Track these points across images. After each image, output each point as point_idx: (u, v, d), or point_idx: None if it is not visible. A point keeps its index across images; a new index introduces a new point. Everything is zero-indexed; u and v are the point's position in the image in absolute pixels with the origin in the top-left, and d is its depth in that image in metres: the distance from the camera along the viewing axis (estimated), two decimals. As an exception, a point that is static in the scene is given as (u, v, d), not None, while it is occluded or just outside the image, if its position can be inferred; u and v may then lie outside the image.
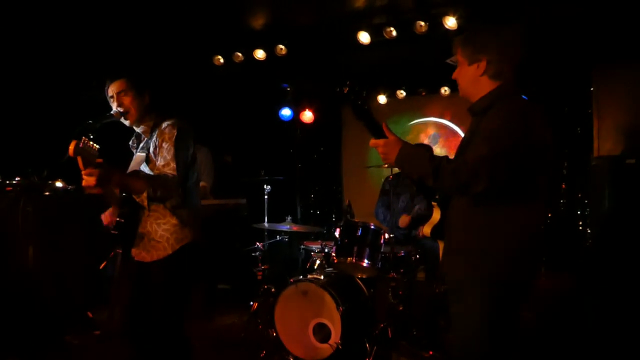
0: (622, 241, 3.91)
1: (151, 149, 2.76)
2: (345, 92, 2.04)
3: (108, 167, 2.46)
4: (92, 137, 2.64)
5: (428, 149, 4.15)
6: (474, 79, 2.16)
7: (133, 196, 2.62)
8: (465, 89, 2.23)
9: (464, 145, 2.20)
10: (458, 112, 6.94)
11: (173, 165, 2.64)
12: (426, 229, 2.45)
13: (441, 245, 2.34)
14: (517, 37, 2.15)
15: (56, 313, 4.29)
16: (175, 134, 2.71)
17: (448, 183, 1.96)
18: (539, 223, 2.11)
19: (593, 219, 4.67)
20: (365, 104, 2.04)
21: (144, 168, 2.77)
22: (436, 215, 2.41)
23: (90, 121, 2.69)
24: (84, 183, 2.42)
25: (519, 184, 1.98)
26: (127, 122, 2.85)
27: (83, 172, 2.40)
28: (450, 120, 7.01)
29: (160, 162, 2.67)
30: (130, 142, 3.03)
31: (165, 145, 2.69)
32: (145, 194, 2.58)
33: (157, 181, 2.59)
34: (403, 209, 4.88)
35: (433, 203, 2.42)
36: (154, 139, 2.78)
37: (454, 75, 2.26)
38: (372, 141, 2.10)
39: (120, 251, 2.74)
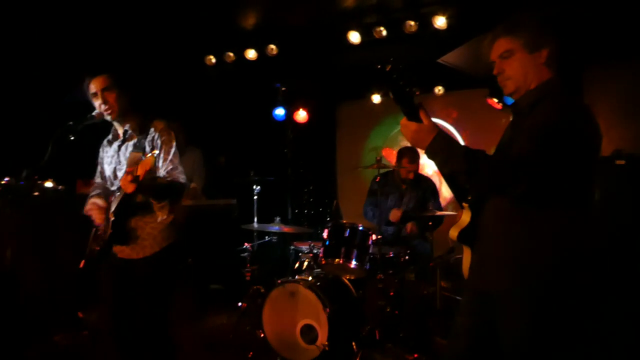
0: (611, 243, 3.88)
1: (147, 149, 2.78)
2: (388, 70, 1.79)
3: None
4: (72, 138, 2.67)
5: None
6: (532, 67, 1.97)
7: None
8: (518, 81, 2.00)
9: (504, 144, 2.06)
10: (452, 111, 6.93)
11: (181, 168, 2.77)
12: (452, 232, 2.21)
13: (466, 250, 2.19)
14: (570, 25, 1.99)
15: (45, 313, 4.28)
16: (174, 137, 2.82)
17: (485, 181, 1.82)
18: (589, 231, 1.91)
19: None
20: (408, 86, 1.80)
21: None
22: (465, 217, 2.20)
23: (71, 123, 2.71)
24: (123, 187, 2.58)
25: (567, 187, 1.82)
26: (109, 118, 2.85)
27: (128, 179, 2.50)
28: (444, 120, 6.98)
29: (167, 165, 2.74)
30: (110, 137, 3.00)
31: (168, 148, 2.77)
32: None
33: (175, 188, 2.73)
34: (392, 208, 4.88)
35: (464, 204, 2.22)
36: (149, 139, 2.80)
37: (501, 68, 2.02)
38: (403, 121, 1.90)
39: (98, 248, 2.76)
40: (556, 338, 1.86)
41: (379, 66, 1.81)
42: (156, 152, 2.51)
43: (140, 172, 2.44)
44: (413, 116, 1.87)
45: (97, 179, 3.08)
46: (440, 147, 1.85)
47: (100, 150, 3.06)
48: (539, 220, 1.87)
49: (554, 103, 1.88)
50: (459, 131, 6.91)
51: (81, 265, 2.79)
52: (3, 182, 4.03)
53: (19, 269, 4.01)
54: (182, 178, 2.74)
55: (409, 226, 4.74)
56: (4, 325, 3.92)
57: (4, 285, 3.83)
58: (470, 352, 2.07)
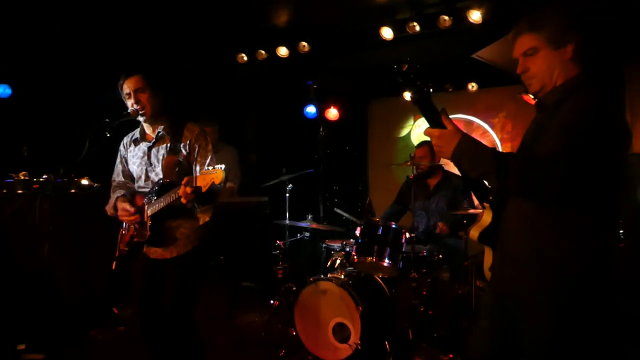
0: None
1: (183, 153, 2.82)
2: (404, 69, 1.75)
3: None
4: (108, 135, 2.70)
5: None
6: (558, 64, 1.89)
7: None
8: (543, 79, 1.92)
9: (528, 142, 1.98)
10: (485, 108, 6.81)
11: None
12: (473, 233, 2.16)
13: (487, 251, 2.13)
14: (599, 18, 1.92)
15: (82, 308, 4.36)
16: (210, 141, 2.87)
17: (517, 183, 1.73)
18: (614, 234, 1.86)
19: (624, 218, 4.49)
20: (426, 86, 1.76)
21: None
22: (487, 218, 2.12)
23: (107, 120, 2.74)
24: (183, 197, 2.50)
25: (597, 187, 1.75)
26: (142, 119, 2.88)
27: (189, 190, 2.45)
28: (478, 117, 6.87)
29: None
30: (138, 137, 3.00)
31: (205, 153, 2.83)
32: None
33: (215, 193, 2.69)
34: (420, 209, 4.80)
35: (485, 204, 2.15)
36: (185, 143, 2.82)
37: (525, 66, 1.94)
38: (427, 130, 1.87)
39: (127, 249, 2.79)
40: (578, 342, 1.80)
41: (395, 66, 1.76)
42: (223, 166, 2.43)
43: (202, 183, 2.39)
44: (435, 122, 1.84)
45: (118, 178, 3.09)
46: (467, 150, 1.79)
47: (122, 148, 3.07)
48: (563, 222, 1.80)
49: (583, 99, 1.79)
50: (492, 128, 6.78)
51: (113, 267, 2.83)
52: (41, 179, 4.11)
53: (56, 265, 4.08)
54: (234, 186, 2.78)
55: (440, 225, 4.64)
56: (41, 319, 4.00)
57: (42, 280, 3.90)
58: (492, 356, 2.02)
